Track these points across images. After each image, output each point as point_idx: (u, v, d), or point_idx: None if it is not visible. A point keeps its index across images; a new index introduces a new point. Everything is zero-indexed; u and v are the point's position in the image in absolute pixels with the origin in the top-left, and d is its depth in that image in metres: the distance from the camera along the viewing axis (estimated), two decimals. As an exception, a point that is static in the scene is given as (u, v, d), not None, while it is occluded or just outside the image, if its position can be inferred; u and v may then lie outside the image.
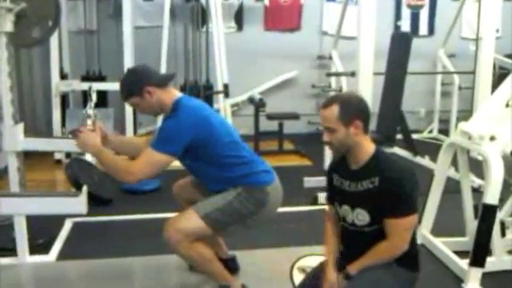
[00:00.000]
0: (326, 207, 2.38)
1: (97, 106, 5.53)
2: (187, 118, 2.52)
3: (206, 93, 6.03)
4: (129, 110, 5.74)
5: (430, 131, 7.14)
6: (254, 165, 2.68)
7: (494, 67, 5.87)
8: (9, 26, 3.02)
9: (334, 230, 2.28)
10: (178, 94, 2.67)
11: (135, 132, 6.07)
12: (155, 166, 2.51)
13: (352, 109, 2.07)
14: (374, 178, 2.05)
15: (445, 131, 6.82)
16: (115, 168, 2.55)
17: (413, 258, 2.15)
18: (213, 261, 2.70)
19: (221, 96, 5.96)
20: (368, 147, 2.11)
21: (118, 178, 2.57)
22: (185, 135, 2.49)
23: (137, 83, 2.57)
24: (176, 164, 5.57)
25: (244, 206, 2.60)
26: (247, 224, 2.68)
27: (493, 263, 3.07)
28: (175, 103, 2.59)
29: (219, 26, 5.87)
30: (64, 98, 5.93)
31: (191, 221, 2.58)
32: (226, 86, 5.89)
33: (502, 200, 3.01)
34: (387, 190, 2.02)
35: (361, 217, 2.11)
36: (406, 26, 7.39)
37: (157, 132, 2.58)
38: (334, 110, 2.06)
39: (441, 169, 3.45)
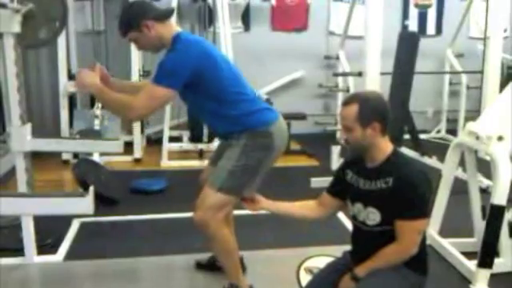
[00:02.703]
0: (322, 195, 2.37)
1: (104, 106, 5.55)
2: (188, 50, 2.48)
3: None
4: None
5: (438, 131, 7.11)
6: (257, 103, 2.66)
7: (502, 67, 5.84)
8: (16, 27, 3.02)
9: (312, 207, 2.35)
10: (177, 28, 2.62)
11: (142, 132, 6.09)
12: (156, 101, 2.47)
13: (371, 110, 2.05)
14: (388, 179, 2.04)
15: (452, 131, 6.79)
16: (117, 105, 2.52)
17: (422, 261, 2.13)
18: (234, 253, 2.72)
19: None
20: (385, 147, 2.10)
21: (120, 116, 2.55)
22: (186, 68, 2.45)
23: (135, 17, 2.55)
24: (183, 164, 5.57)
25: (252, 158, 2.57)
26: (262, 172, 2.65)
27: (501, 264, 3.06)
28: (175, 37, 2.54)
29: (226, 27, 5.87)
30: (71, 99, 5.95)
31: (211, 197, 2.58)
32: (232, 87, 5.88)
33: (511, 201, 2.99)
34: (400, 192, 2.00)
35: (372, 216, 2.09)
36: (413, 25, 7.37)
37: (157, 67, 2.50)
38: (353, 109, 2.04)
39: (448, 169, 3.44)
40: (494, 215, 2.87)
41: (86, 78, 2.57)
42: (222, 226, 2.63)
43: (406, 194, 2.00)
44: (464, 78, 6.65)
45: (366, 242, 2.15)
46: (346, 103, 2.09)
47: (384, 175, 2.06)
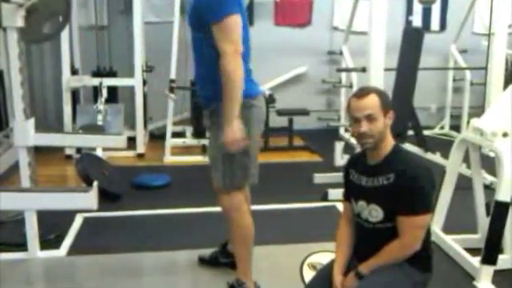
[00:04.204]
0: (342, 206, 2.36)
1: (107, 101, 5.56)
2: None
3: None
4: (139, 105, 5.75)
5: (442, 127, 7.09)
6: (249, 73, 2.67)
7: (507, 63, 5.81)
8: (20, 22, 3.02)
9: (348, 232, 2.25)
10: None
11: (145, 127, 6.08)
12: (236, 31, 2.43)
13: (388, 98, 2.10)
14: (389, 175, 2.04)
15: (456, 127, 6.77)
16: (232, 81, 2.43)
17: (426, 258, 2.13)
18: (251, 242, 2.74)
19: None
20: (388, 142, 2.10)
21: (240, 74, 2.42)
22: None
23: None
24: (186, 160, 5.55)
25: None
26: (254, 147, 2.64)
27: (505, 261, 3.05)
28: None
29: (229, 22, 5.85)
30: (75, 94, 5.95)
31: (224, 192, 2.64)
32: (236, 82, 5.87)
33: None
34: (402, 187, 2.00)
35: (374, 213, 2.09)
36: (417, 21, 7.34)
37: (204, 10, 2.46)
38: (375, 98, 2.05)
39: (452, 165, 3.43)
40: (498, 212, 2.86)
41: (232, 138, 2.47)
42: (246, 212, 2.70)
43: (407, 189, 2.00)
44: (468, 74, 6.62)
45: (369, 240, 2.15)
46: (363, 95, 2.07)
47: (385, 171, 2.06)
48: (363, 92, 2.09)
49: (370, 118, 2.04)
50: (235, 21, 2.43)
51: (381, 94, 2.08)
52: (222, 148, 2.51)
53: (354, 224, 2.23)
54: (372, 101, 2.04)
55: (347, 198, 2.28)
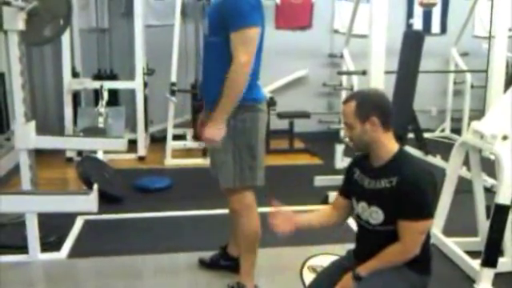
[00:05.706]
0: (334, 197, 2.37)
1: (108, 104, 5.57)
2: None
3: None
4: (140, 108, 5.75)
5: (442, 130, 7.10)
6: (257, 77, 2.67)
7: (507, 66, 5.82)
8: (21, 25, 3.03)
9: (327, 214, 2.34)
10: None
11: (146, 130, 6.09)
12: (252, 42, 2.47)
13: (369, 105, 2.06)
14: (392, 178, 2.03)
15: (457, 130, 6.78)
16: (234, 87, 2.48)
17: (425, 262, 2.12)
18: (256, 248, 2.76)
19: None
20: (390, 146, 2.09)
21: (243, 82, 2.46)
22: (255, 5, 2.48)
23: None
24: (186, 162, 5.55)
25: (243, 136, 2.60)
26: (259, 148, 2.68)
27: (505, 264, 3.05)
28: None
29: (230, 25, 5.85)
30: (76, 97, 5.96)
31: (236, 194, 2.67)
32: (236, 85, 5.87)
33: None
34: (403, 192, 1.99)
35: (375, 215, 2.09)
36: (418, 24, 7.34)
37: (229, 16, 2.47)
38: (352, 105, 2.06)
39: (453, 168, 3.43)
40: (499, 214, 2.86)
41: (211, 135, 2.53)
42: (255, 213, 2.72)
43: (410, 194, 1.99)
44: (468, 77, 6.63)
45: (369, 241, 2.15)
46: (345, 101, 2.12)
47: (388, 175, 2.05)
48: (347, 99, 2.13)
49: (347, 125, 2.10)
50: (254, 34, 2.47)
51: (363, 99, 2.08)
52: (233, 147, 2.58)
53: (339, 217, 2.31)
54: (347, 109, 2.08)
55: (343, 193, 2.29)
